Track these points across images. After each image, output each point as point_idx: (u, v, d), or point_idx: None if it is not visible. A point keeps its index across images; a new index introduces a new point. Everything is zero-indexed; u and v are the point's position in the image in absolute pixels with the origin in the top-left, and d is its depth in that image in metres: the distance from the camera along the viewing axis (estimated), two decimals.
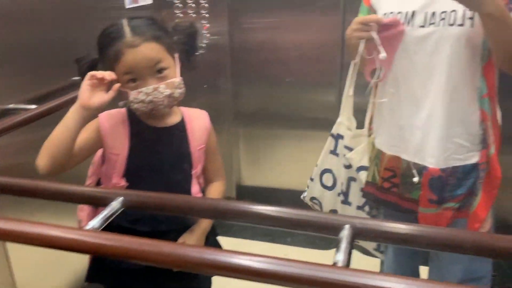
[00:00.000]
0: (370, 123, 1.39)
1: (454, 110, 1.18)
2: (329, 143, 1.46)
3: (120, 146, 1.14)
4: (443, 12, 1.14)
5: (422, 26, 1.17)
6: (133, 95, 1.06)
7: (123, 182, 1.15)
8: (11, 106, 1.42)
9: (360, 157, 1.39)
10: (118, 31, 1.06)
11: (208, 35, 2.14)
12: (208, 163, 1.25)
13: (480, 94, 1.18)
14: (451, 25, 1.13)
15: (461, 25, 1.12)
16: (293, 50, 2.19)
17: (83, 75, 1.05)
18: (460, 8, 1.11)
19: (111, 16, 1.79)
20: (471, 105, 1.19)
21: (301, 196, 1.58)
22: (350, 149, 1.41)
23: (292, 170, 2.36)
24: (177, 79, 1.09)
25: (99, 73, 1.02)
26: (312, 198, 1.55)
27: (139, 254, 0.53)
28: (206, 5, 2.08)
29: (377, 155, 1.35)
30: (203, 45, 2.15)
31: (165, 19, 1.14)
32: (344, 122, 1.42)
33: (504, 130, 1.25)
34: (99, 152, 1.20)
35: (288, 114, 2.30)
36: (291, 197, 1.68)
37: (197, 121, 1.23)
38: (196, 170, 1.21)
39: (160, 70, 1.07)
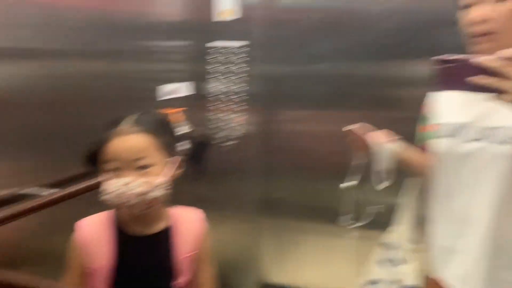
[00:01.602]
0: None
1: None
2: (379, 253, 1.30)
3: (100, 259, 1.04)
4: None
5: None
6: (105, 185, 0.98)
7: None
8: (28, 190, 1.36)
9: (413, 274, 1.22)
10: (119, 120, 1.03)
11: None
12: (197, 272, 1.12)
13: None
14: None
15: None
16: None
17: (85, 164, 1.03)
18: None
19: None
20: None
21: None
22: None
23: (324, 268, 2.12)
24: (159, 180, 1.00)
25: None
26: None
27: None
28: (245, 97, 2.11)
29: None
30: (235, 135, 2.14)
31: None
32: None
33: None
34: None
35: (318, 205, 2.12)
36: None
37: (187, 225, 1.11)
38: (179, 282, 1.08)
39: (143, 166, 0.99)
